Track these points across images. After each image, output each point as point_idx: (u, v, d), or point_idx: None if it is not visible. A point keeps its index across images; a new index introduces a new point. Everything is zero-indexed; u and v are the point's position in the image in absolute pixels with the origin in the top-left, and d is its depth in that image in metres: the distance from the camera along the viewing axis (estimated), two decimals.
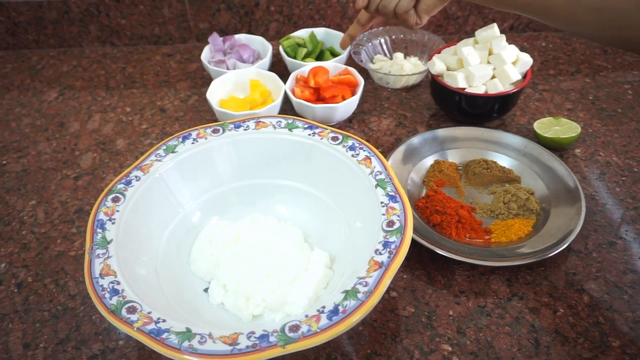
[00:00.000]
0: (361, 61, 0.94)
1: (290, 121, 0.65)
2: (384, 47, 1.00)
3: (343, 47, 0.82)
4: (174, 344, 0.44)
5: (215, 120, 0.86)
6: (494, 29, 0.79)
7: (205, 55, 0.95)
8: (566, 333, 0.56)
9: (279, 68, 0.98)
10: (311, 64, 0.88)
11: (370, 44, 0.99)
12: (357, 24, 0.74)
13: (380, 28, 1.00)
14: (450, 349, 0.55)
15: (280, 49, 0.95)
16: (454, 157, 0.77)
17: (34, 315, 0.61)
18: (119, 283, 0.49)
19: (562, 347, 0.55)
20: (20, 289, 0.64)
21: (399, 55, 0.97)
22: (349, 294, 0.46)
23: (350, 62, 0.97)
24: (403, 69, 0.93)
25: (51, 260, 0.67)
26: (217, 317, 0.57)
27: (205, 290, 0.60)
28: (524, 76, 0.80)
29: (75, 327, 0.59)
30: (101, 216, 0.55)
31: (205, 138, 0.65)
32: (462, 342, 0.56)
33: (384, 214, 0.53)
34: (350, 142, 0.62)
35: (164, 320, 0.46)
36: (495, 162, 0.74)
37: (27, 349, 0.57)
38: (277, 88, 0.86)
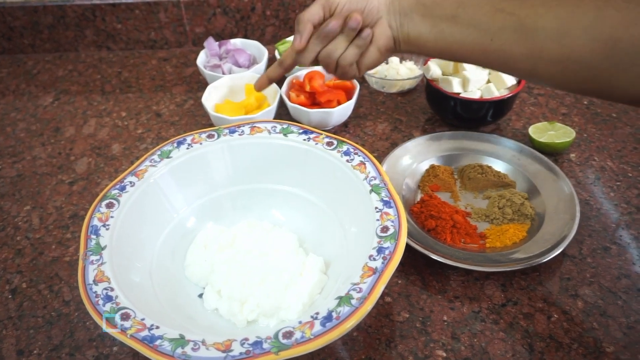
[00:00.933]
0: None
1: (285, 126, 0.65)
2: None
3: (259, 89, 0.65)
4: (167, 350, 0.44)
5: (211, 125, 0.86)
6: None
7: (201, 59, 0.95)
8: (560, 339, 0.56)
9: None
10: (307, 69, 0.88)
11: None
12: (279, 66, 0.62)
13: None
14: (444, 354, 0.55)
15: (276, 53, 0.96)
16: (449, 161, 0.77)
17: (27, 322, 0.60)
18: (112, 289, 0.49)
19: (556, 352, 0.55)
20: (14, 295, 0.64)
21: (394, 60, 0.98)
22: (343, 300, 0.46)
23: None
24: (399, 73, 0.93)
25: (45, 266, 0.67)
26: (211, 323, 0.57)
27: (200, 295, 0.60)
28: (519, 81, 0.80)
29: (69, 333, 0.59)
30: (95, 222, 0.55)
31: (200, 143, 0.65)
32: (456, 347, 0.56)
33: (378, 220, 0.53)
34: (345, 147, 0.62)
35: (157, 327, 0.46)
36: (490, 167, 0.74)
37: (20, 356, 0.57)
38: (273, 92, 0.86)
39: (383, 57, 0.60)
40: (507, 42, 0.51)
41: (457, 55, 0.57)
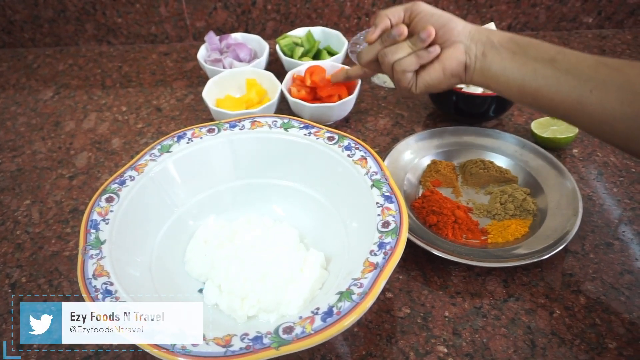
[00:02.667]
0: None
1: (286, 121, 0.65)
2: None
3: (334, 80, 0.72)
4: (166, 345, 0.43)
5: (212, 120, 0.86)
6: (492, 27, 0.79)
7: (202, 54, 0.95)
8: (562, 334, 0.56)
9: (276, 67, 0.98)
10: (308, 63, 0.87)
11: (366, 42, 0.98)
12: (358, 69, 0.68)
13: None
14: (445, 350, 0.55)
15: (277, 48, 0.95)
16: (450, 157, 0.77)
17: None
18: (112, 284, 0.49)
19: (559, 348, 0.54)
20: (14, 289, 0.63)
21: None
22: (344, 295, 0.46)
23: (347, 61, 0.96)
24: None
25: (45, 260, 0.67)
26: (211, 318, 0.56)
27: (200, 290, 0.60)
28: None
29: None
30: (95, 216, 0.55)
31: (201, 138, 0.64)
32: (457, 343, 0.55)
33: (379, 215, 0.53)
34: (346, 142, 0.61)
35: None
36: (492, 162, 0.74)
37: (20, 350, 0.57)
38: (274, 87, 0.85)
39: (446, 80, 0.58)
40: (609, 98, 0.48)
41: (540, 101, 0.53)
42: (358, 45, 0.97)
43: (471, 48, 0.56)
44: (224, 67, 0.92)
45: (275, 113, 0.83)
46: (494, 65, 0.55)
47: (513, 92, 0.55)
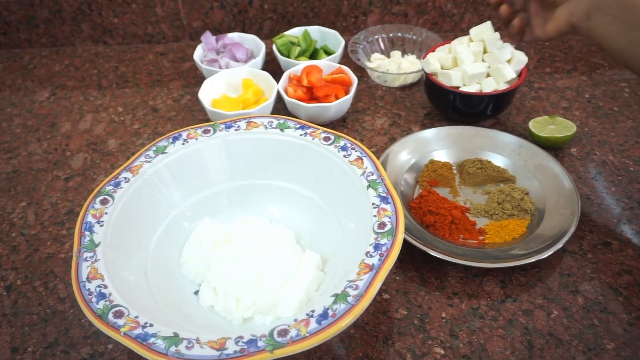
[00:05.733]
0: (358, 59, 0.93)
1: (281, 121, 0.65)
2: (381, 45, 0.99)
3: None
4: (160, 349, 0.43)
5: (208, 120, 0.86)
6: (488, 26, 0.78)
7: (198, 54, 0.94)
8: (560, 335, 0.55)
9: (273, 67, 0.98)
10: (304, 63, 0.87)
11: (367, 42, 0.98)
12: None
13: (378, 26, 0.99)
14: (442, 352, 0.54)
15: (274, 47, 0.95)
16: (448, 156, 0.77)
17: (22, 319, 0.60)
18: (106, 287, 0.48)
19: (556, 349, 0.54)
20: (9, 292, 0.63)
21: (396, 53, 0.97)
22: (339, 297, 0.46)
23: (345, 60, 0.96)
24: (401, 67, 0.92)
25: (41, 262, 0.66)
26: (207, 321, 0.56)
27: (196, 292, 0.59)
28: (519, 74, 0.79)
29: (64, 330, 0.58)
30: (89, 219, 0.55)
31: (196, 139, 0.64)
32: (454, 345, 0.55)
33: (375, 216, 0.53)
34: (342, 143, 0.61)
35: (151, 325, 0.45)
36: (489, 162, 0.74)
37: (15, 353, 0.56)
38: (270, 87, 0.85)
39: (554, 35, 0.66)
40: None
41: (633, 65, 0.58)
42: (358, 45, 0.96)
43: (576, 9, 0.61)
44: (221, 67, 0.92)
45: (272, 113, 0.83)
46: (596, 30, 0.60)
47: (611, 53, 0.61)
